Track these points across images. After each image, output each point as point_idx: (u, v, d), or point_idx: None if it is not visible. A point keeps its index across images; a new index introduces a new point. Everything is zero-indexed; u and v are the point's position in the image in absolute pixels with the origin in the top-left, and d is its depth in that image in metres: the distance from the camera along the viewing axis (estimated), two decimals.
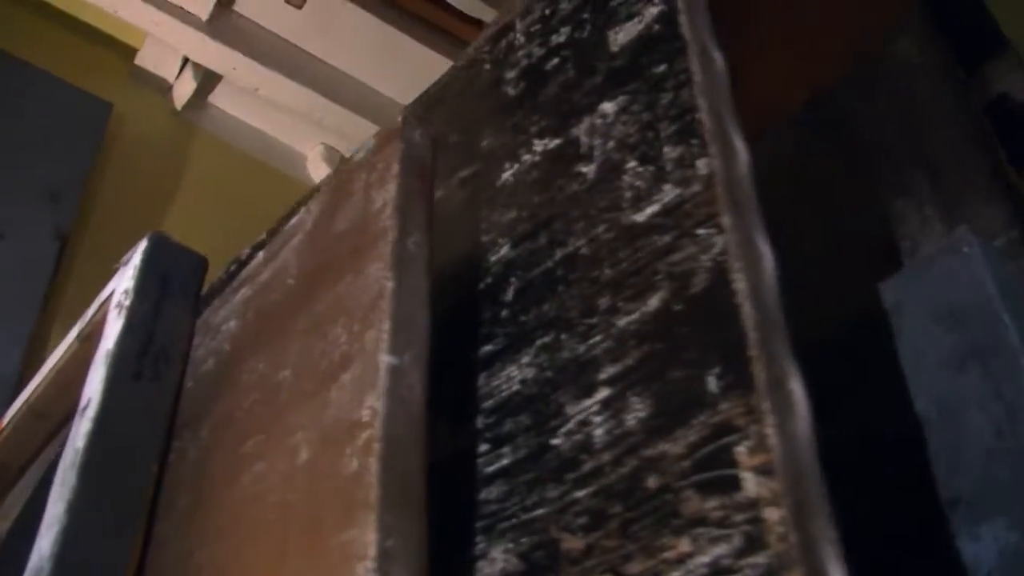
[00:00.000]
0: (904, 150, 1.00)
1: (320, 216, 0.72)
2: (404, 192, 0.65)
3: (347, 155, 2.01)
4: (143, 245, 0.81)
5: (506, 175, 0.73)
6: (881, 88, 1.04)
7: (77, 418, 0.74)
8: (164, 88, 1.84)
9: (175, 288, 0.81)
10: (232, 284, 0.79)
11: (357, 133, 1.73)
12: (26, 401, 0.94)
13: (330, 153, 1.87)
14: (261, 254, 0.77)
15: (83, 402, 0.75)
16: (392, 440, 0.54)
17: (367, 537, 0.51)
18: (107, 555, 0.69)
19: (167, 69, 1.81)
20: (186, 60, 1.78)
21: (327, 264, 0.67)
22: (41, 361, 1.54)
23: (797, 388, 0.49)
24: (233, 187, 1.76)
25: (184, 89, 1.79)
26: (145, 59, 1.81)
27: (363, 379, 0.57)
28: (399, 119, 0.69)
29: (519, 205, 0.70)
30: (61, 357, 0.89)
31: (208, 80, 1.81)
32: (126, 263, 0.82)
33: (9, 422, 0.96)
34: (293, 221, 0.75)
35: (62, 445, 0.87)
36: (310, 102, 1.76)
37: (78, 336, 0.87)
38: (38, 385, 0.93)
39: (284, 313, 0.69)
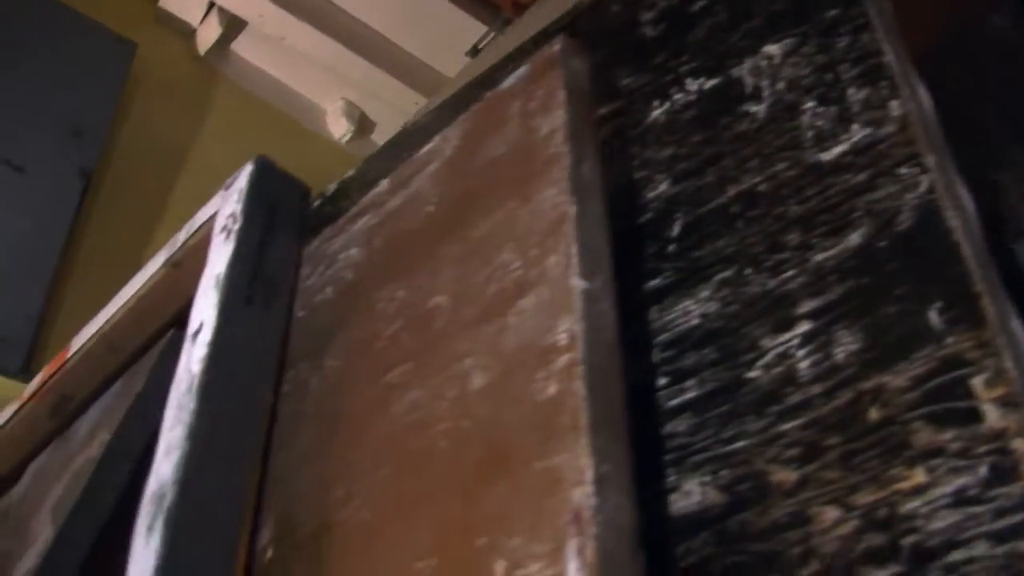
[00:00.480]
0: (1000, 123, 0.99)
1: (464, 143, 0.69)
2: (574, 118, 0.63)
3: (367, 111, 1.99)
4: (248, 169, 0.78)
5: (656, 113, 0.71)
6: (975, 60, 1.03)
7: (188, 342, 0.71)
8: (187, 32, 1.79)
9: (282, 215, 0.78)
10: (348, 214, 0.76)
11: (379, 89, 1.70)
12: (99, 331, 0.90)
13: (350, 108, 1.84)
14: (384, 183, 0.74)
15: (193, 326, 0.71)
16: (593, 364, 0.52)
17: (580, 462, 0.48)
18: (229, 480, 0.66)
19: (191, 13, 1.76)
20: (211, 5, 1.74)
21: (481, 190, 0.65)
22: (63, 297, 1.50)
23: (1017, 325, 0.49)
24: (252, 135, 1.72)
25: (208, 34, 1.75)
26: (170, 2, 1.76)
27: (552, 303, 0.55)
28: (555, 46, 0.67)
29: (676, 143, 0.68)
30: (143, 285, 0.86)
31: (232, 27, 1.76)
32: (228, 187, 0.79)
33: (75, 353, 0.92)
34: (425, 149, 0.72)
35: (132, 377, 0.83)
36: (335, 55, 1.72)
37: (167, 262, 0.83)
38: (112, 315, 0.89)
39: (427, 240, 0.66)
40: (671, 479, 0.55)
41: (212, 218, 0.79)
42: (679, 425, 0.56)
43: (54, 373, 0.94)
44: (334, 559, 0.59)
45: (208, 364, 0.68)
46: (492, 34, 1.62)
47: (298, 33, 1.70)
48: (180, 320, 0.85)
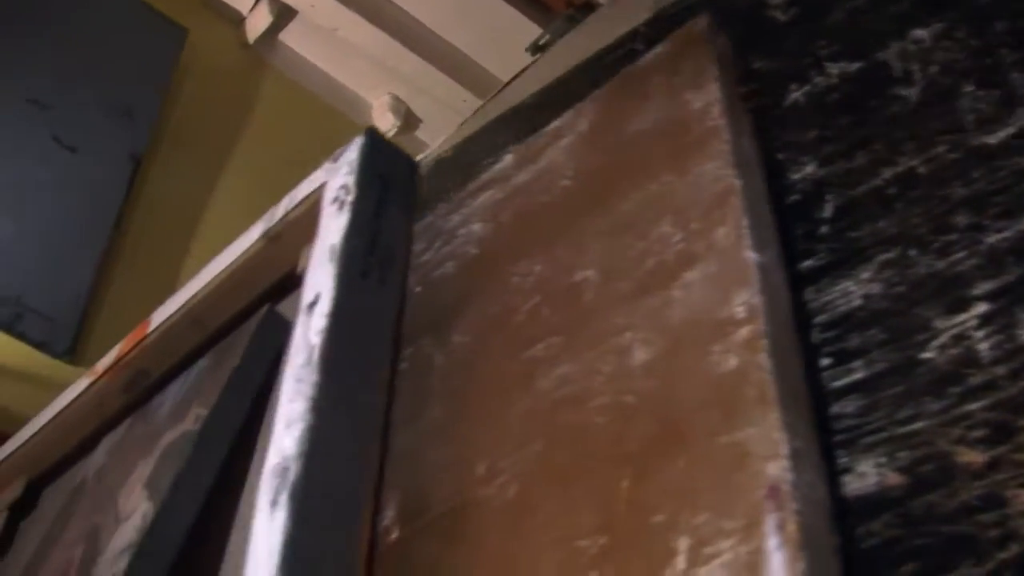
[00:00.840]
0: None
1: (602, 118, 0.67)
2: (728, 94, 0.62)
3: (413, 107, 1.97)
4: (359, 141, 0.76)
5: (794, 96, 0.69)
6: None
7: (303, 314, 0.69)
8: (237, 20, 1.77)
9: (393, 189, 0.76)
10: (467, 189, 0.74)
11: (427, 85, 1.68)
12: (183, 306, 0.87)
13: (396, 104, 1.82)
14: (508, 158, 0.72)
15: (308, 298, 0.69)
16: (775, 337, 0.50)
17: (773, 436, 0.46)
18: (353, 455, 0.64)
19: (242, 1, 1.74)
20: None
21: (628, 164, 0.63)
22: (111, 280, 1.48)
23: None
24: (298, 125, 1.70)
25: (258, 22, 1.73)
26: None
27: (724, 276, 0.53)
28: (701, 23, 0.66)
29: (820, 126, 0.66)
30: (236, 259, 0.84)
31: (282, 16, 1.74)
32: (336, 159, 0.77)
33: (155, 329, 0.90)
34: (554, 125, 0.71)
35: (222, 352, 0.81)
36: (385, 48, 1.70)
37: (264, 235, 0.81)
38: (199, 291, 0.86)
39: (566, 214, 0.65)
40: (843, 460, 0.53)
41: (318, 190, 0.77)
42: (847, 406, 0.54)
43: (131, 349, 0.92)
44: (476, 538, 0.57)
45: (328, 335, 0.66)
46: (547, 34, 1.61)
47: (348, 24, 1.68)
48: (274, 294, 0.83)
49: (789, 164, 0.67)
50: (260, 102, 1.71)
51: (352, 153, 0.76)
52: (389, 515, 0.63)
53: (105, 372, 0.95)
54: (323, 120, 1.77)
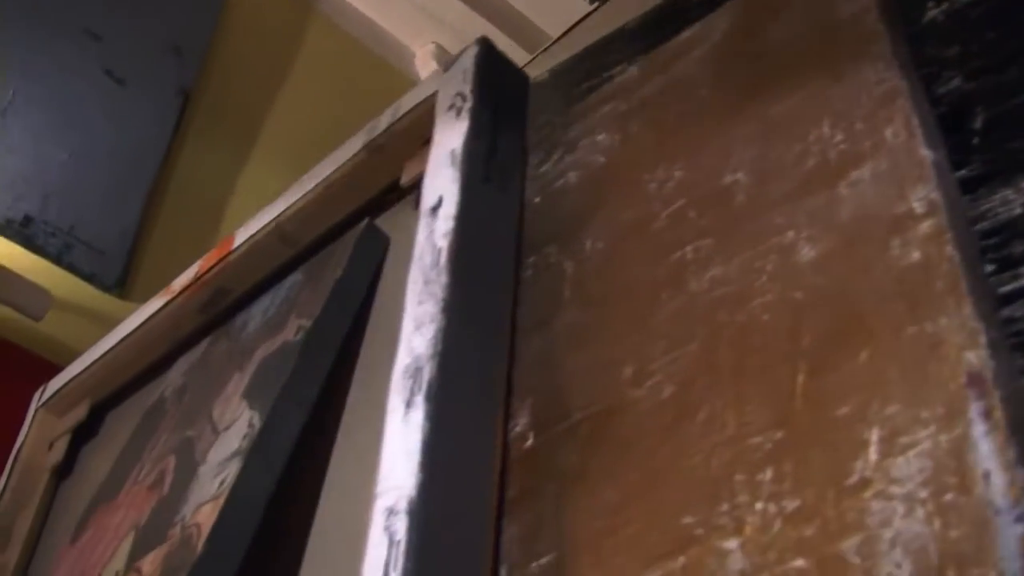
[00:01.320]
0: None
1: (738, 28, 0.66)
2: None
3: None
4: (473, 51, 0.74)
5: (932, 13, 0.67)
6: None
7: (425, 217, 0.67)
8: None
9: (507, 99, 0.74)
10: (584, 102, 0.72)
11: (471, 34, 1.66)
12: (271, 222, 0.86)
13: (440, 52, 1.80)
14: (633, 70, 0.70)
15: (430, 201, 0.68)
16: (957, 230, 0.49)
17: (969, 325, 0.45)
18: (485, 357, 0.62)
19: None
20: None
21: (774, 71, 0.61)
22: (158, 214, 1.45)
23: None
24: (340, 69, 1.68)
25: None
26: None
27: (897, 173, 0.52)
28: None
29: (964, 41, 0.65)
30: (332, 173, 0.82)
31: None
32: (449, 67, 0.75)
33: (240, 245, 0.88)
34: (683, 36, 0.69)
35: (316, 267, 0.80)
36: None
37: (366, 147, 0.79)
38: (290, 206, 0.85)
39: (706, 122, 0.63)
40: (1018, 362, 0.52)
41: (429, 99, 0.75)
42: (1017, 311, 0.53)
43: (211, 267, 0.90)
44: (627, 441, 0.55)
45: (455, 238, 0.64)
46: None
47: None
48: (371, 209, 0.81)
49: (933, 79, 0.66)
50: (305, 45, 1.69)
51: (467, 62, 0.74)
52: (522, 422, 0.61)
53: (182, 291, 0.93)
54: (366, 65, 1.75)
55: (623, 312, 0.60)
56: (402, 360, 0.61)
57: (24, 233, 1.35)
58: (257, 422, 0.68)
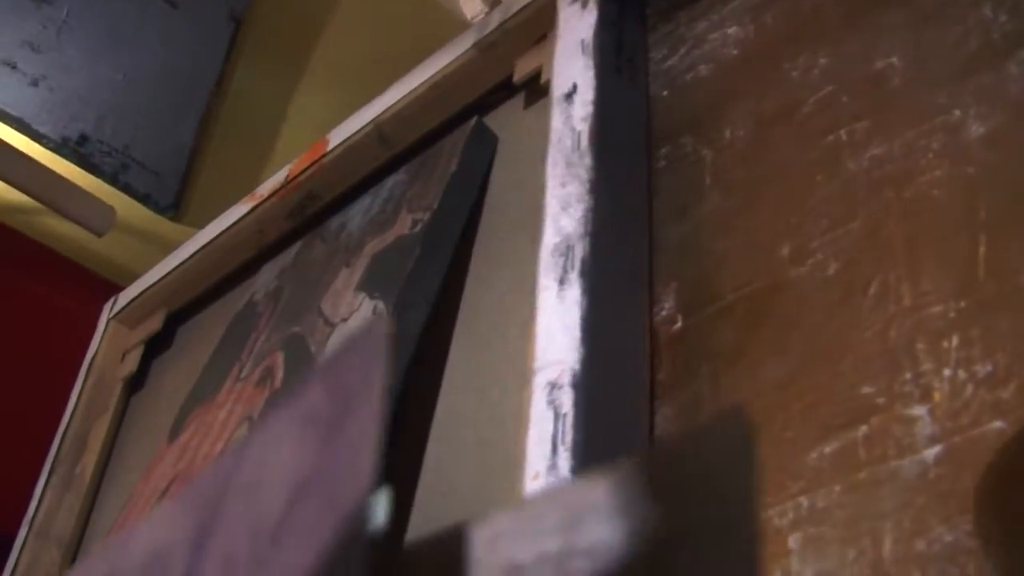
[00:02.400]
0: None
1: None
2: None
3: None
4: None
5: None
6: None
7: (558, 104, 0.67)
8: None
9: None
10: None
11: None
12: (369, 123, 0.85)
13: None
14: None
15: (563, 88, 0.67)
16: None
17: None
18: (629, 237, 0.62)
19: None
20: None
21: None
22: (212, 136, 1.44)
23: None
24: (386, 3, 1.66)
25: None
26: None
27: None
28: None
29: None
30: (438, 72, 0.81)
31: None
32: None
33: (335, 147, 0.87)
34: None
35: (422, 165, 0.79)
36: None
37: (477, 45, 0.78)
38: (389, 107, 0.84)
39: (849, 13, 0.62)
40: None
41: None
42: None
43: (303, 170, 0.89)
44: (790, 318, 0.55)
45: (594, 122, 0.64)
46: None
47: None
48: (473, 110, 0.81)
49: None
50: None
51: None
52: (667, 306, 0.61)
53: (270, 196, 0.92)
54: (411, 2, 1.73)
55: (774, 196, 0.60)
56: (550, 239, 0.60)
57: (80, 152, 1.34)
58: (383, 309, 0.67)
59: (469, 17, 1.93)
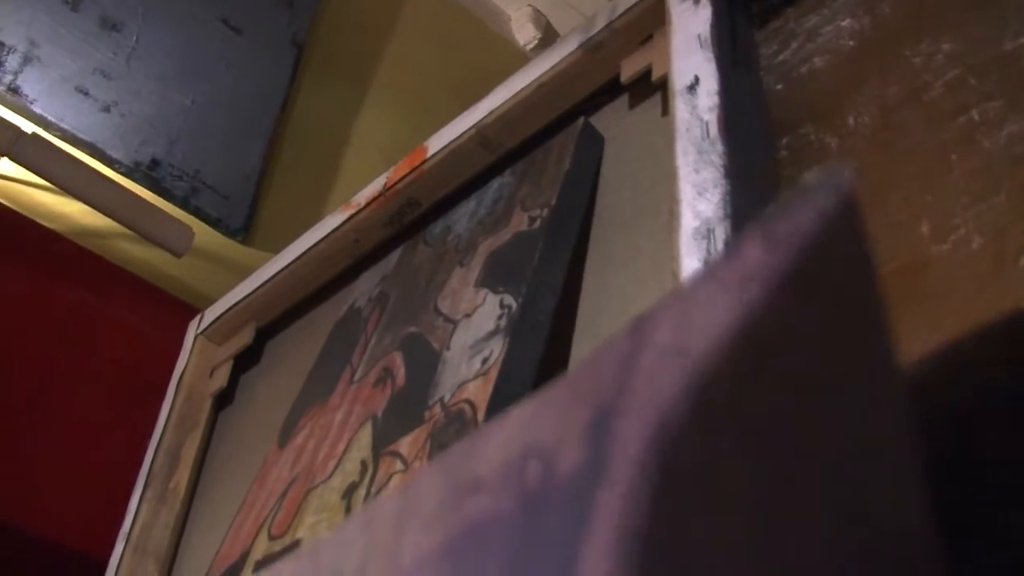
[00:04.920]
0: None
1: None
2: None
3: (553, 21, 1.95)
4: None
5: None
6: None
7: (681, 96, 0.68)
8: None
9: None
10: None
11: None
12: (471, 128, 0.86)
13: (537, 16, 1.80)
14: None
15: (684, 81, 0.68)
16: None
17: None
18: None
19: None
20: None
21: None
22: (278, 160, 1.46)
23: None
24: (441, 29, 1.69)
25: None
26: None
27: None
28: None
29: None
30: (542, 75, 0.82)
31: None
32: None
33: (435, 154, 0.89)
34: None
35: (529, 166, 0.80)
36: None
37: (583, 46, 0.80)
38: (491, 111, 0.85)
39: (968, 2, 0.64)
40: None
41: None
42: None
43: (402, 177, 0.91)
44: (936, 294, 0.55)
45: (721, 112, 0.65)
46: None
47: None
48: (581, 110, 0.82)
49: None
50: (406, 4, 1.70)
51: None
52: None
53: (368, 204, 0.93)
54: (466, 28, 1.76)
55: (907, 177, 0.61)
56: (689, 223, 0.61)
57: (151, 176, 1.36)
58: (511, 302, 0.68)
59: (522, 44, 1.96)
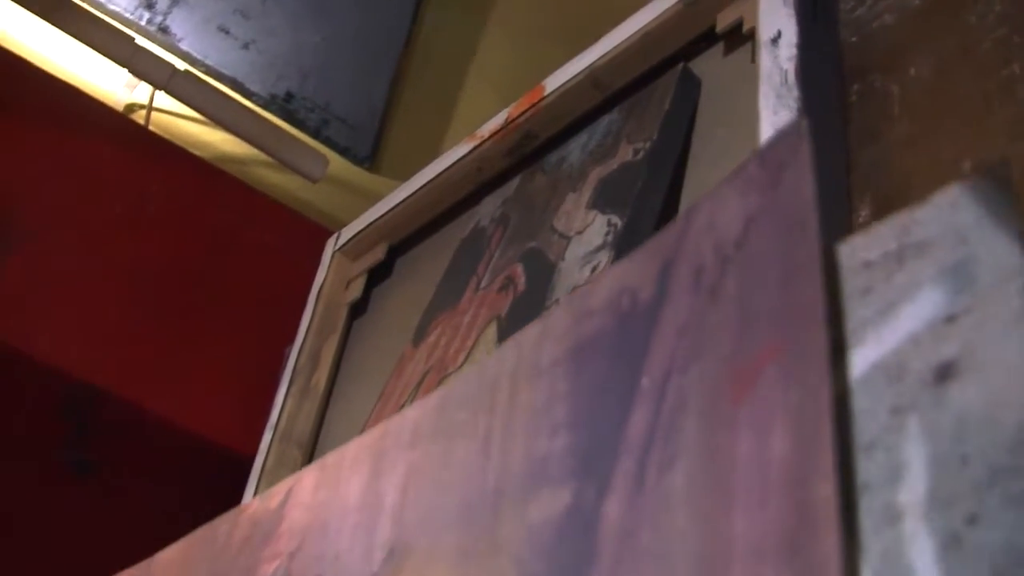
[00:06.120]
0: None
1: None
2: None
3: None
4: None
5: None
6: None
7: (766, 47, 0.79)
8: None
9: None
10: None
11: None
12: (584, 70, 0.98)
13: None
14: None
15: (768, 34, 0.79)
16: None
17: None
18: (834, 156, 0.74)
19: None
20: None
21: None
22: (402, 94, 1.60)
23: None
24: None
25: None
26: None
27: None
28: None
29: None
30: (645, 25, 0.94)
31: None
32: None
33: (552, 92, 1.01)
34: None
35: (634, 106, 0.92)
36: None
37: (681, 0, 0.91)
38: (601, 56, 0.97)
39: None
40: None
41: None
42: None
43: (522, 113, 1.03)
44: None
45: (797, 61, 0.76)
46: None
47: None
48: (679, 57, 0.94)
49: None
50: None
51: None
52: (864, 213, 0.73)
53: (491, 136, 1.06)
54: None
55: (955, 121, 0.72)
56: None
57: (286, 108, 1.51)
58: (617, 221, 0.81)
59: None
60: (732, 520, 0.34)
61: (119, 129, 1.43)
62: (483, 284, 0.94)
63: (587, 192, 0.89)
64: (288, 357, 1.22)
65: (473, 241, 1.03)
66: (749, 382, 0.36)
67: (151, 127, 1.47)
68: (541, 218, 0.93)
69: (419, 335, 1.00)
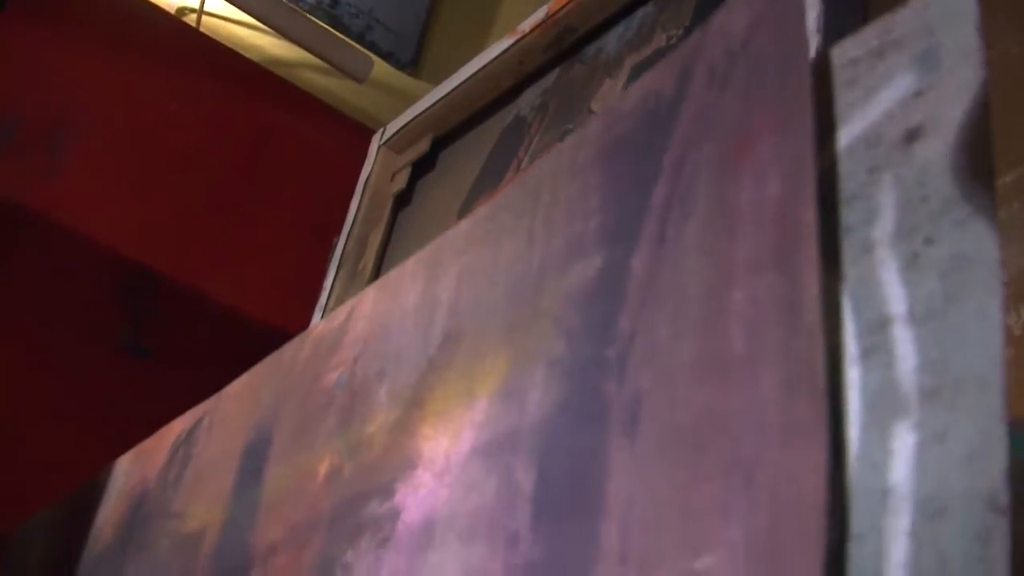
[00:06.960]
0: None
1: None
2: None
3: None
4: None
5: None
6: None
7: None
8: None
9: None
10: None
11: None
12: None
13: None
14: None
15: None
16: None
17: None
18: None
19: None
20: None
21: None
22: (442, 4, 1.65)
23: None
24: None
25: None
26: None
27: None
28: None
29: None
30: None
31: None
32: None
33: None
34: None
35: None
36: None
37: None
38: None
39: None
40: None
41: None
42: None
43: (560, 9, 1.08)
44: None
45: None
46: None
47: None
48: None
49: None
50: None
51: None
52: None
53: (532, 31, 1.11)
54: None
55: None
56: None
57: (332, 14, 1.56)
58: None
59: None
60: (734, 250, 0.41)
61: (171, 31, 1.49)
62: (523, 164, 1.00)
63: (622, 78, 0.94)
64: (336, 245, 1.29)
65: (514, 128, 1.08)
66: (750, 147, 0.42)
67: (202, 29, 1.53)
68: (579, 103, 0.99)
69: (463, 210, 1.06)
